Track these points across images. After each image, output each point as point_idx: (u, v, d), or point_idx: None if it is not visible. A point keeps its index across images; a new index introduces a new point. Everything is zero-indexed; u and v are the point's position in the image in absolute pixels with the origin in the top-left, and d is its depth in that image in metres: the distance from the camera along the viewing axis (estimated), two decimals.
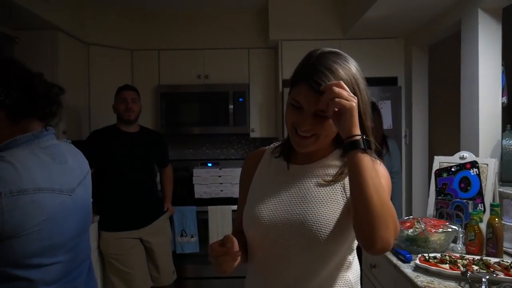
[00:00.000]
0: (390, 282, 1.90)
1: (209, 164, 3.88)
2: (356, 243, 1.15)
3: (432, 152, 3.24)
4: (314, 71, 1.00)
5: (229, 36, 3.81)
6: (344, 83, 0.98)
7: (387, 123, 3.42)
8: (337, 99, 0.94)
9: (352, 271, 1.15)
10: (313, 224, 1.05)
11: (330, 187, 1.09)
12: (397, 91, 3.53)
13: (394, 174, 3.08)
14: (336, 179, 1.10)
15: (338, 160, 1.13)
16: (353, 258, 1.16)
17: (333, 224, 1.05)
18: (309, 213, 1.07)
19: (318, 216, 1.06)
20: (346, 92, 0.95)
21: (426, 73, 3.52)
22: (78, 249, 1.33)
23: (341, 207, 1.07)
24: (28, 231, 1.15)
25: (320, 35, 3.56)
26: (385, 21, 3.14)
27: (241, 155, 4.20)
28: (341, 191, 1.09)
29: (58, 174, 1.27)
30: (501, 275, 1.53)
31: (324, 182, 1.10)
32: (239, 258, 1.02)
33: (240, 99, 3.70)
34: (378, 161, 1.10)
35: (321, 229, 1.04)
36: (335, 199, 1.08)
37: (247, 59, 3.81)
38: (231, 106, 3.70)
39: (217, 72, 3.78)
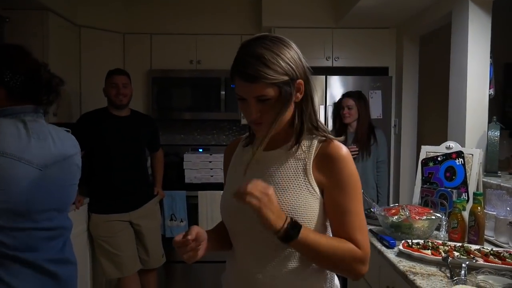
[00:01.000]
0: (374, 267, 1.95)
1: (200, 150, 3.90)
2: (328, 230, 1.18)
3: (421, 142, 3.29)
4: (241, 62, 1.05)
5: (222, 22, 3.80)
6: (270, 66, 1.02)
7: (377, 112, 3.46)
8: (247, 198, 0.98)
9: None
10: None
11: (292, 172, 1.12)
12: (388, 81, 3.56)
13: (380, 164, 3.14)
14: (296, 164, 1.12)
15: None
16: None
17: (296, 209, 1.08)
18: None
19: (280, 202, 1.07)
20: (258, 190, 0.98)
21: (416, 63, 3.56)
22: (51, 225, 1.42)
23: (304, 191, 1.10)
24: None
25: (313, 24, 3.57)
26: (377, 11, 3.16)
27: (231, 141, 4.21)
28: (303, 175, 1.11)
29: (31, 147, 1.35)
30: (481, 261, 1.58)
31: (286, 168, 1.13)
32: (201, 248, 1.11)
33: (232, 86, 3.70)
34: (342, 147, 1.12)
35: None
36: (298, 184, 1.10)
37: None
38: (222, 92, 3.70)
39: (209, 58, 3.77)
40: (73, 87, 3.41)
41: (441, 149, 2.34)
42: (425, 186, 2.32)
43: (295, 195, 1.09)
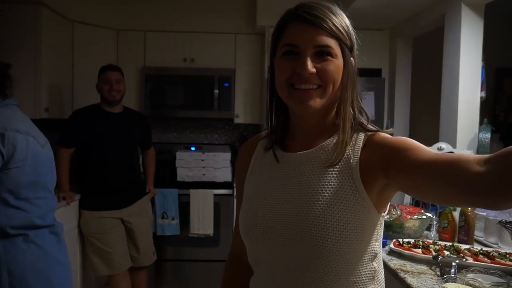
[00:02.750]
0: None
1: (192, 148, 3.89)
2: (380, 245, 0.95)
3: None
4: (304, 6, 0.89)
5: (216, 20, 3.80)
6: (338, 17, 0.89)
7: (369, 114, 3.47)
8: None
9: (377, 282, 0.93)
10: (315, 225, 0.85)
11: (335, 178, 0.88)
12: (381, 83, 3.58)
13: None
14: (338, 160, 0.89)
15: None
16: (378, 265, 0.94)
17: (341, 223, 0.84)
18: (310, 212, 0.86)
19: (325, 219, 0.85)
20: None
21: (409, 65, 3.59)
22: (54, 196, 1.72)
23: (352, 203, 0.86)
24: (23, 163, 1.50)
25: None
26: (371, 12, 3.17)
27: (224, 140, 4.22)
28: (349, 181, 0.87)
29: (32, 128, 1.62)
30: (471, 260, 1.59)
31: (327, 173, 0.89)
32: None
33: (226, 84, 3.70)
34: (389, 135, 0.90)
35: (326, 230, 0.84)
36: (343, 193, 0.86)
37: (234, 45, 3.81)
38: (216, 91, 3.70)
39: (203, 56, 3.77)
40: (66, 83, 3.39)
41: (432, 150, 2.36)
42: None
43: (342, 208, 0.85)
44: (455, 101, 2.56)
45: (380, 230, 0.93)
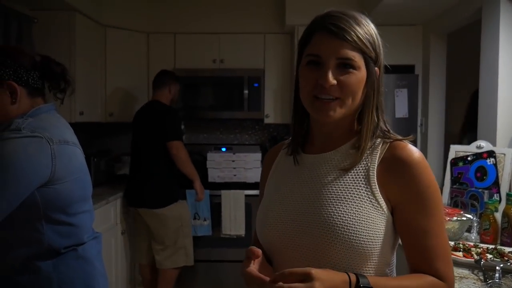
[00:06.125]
0: (403, 269, 1.90)
1: (223, 149, 3.90)
2: (394, 255, 0.99)
3: (448, 141, 3.21)
4: (329, 17, 0.90)
5: (245, 20, 3.79)
6: (363, 28, 0.89)
7: (402, 111, 3.39)
8: None
9: None
10: (325, 225, 0.88)
11: (351, 180, 0.91)
12: (414, 79, 3.49)
13: None
14: (355, 165, 0.92)
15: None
16: (391, 273, 0.98)
17: (355, 225, 0.86)
18: (322, 210, 0.90)
19: (336, 215, 0.88)
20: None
21: (444, 61, 3.48)
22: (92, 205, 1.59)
23: (366, 204, 0.89)
24: (71, 177, 1.36)
25: None
26: (404, 8, 3.09)
27: (254, 141, 4.21)
28: (365, 184, 0.90)
29: (74, 136, 1.48)
30: None
31: (343, 172, 0.92)
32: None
33: (255, 85, 3.69)
34: (414, 150, 0.91)
35: (336, 231, 0.87)
36: (358, 194, 0.89)
37: (263, 45, 3.79)
38: (246, 91, 3.70)
39: (232, 57, 3.77)
40: (99, 87, 3.45)
41: (471, 148, 2.28)
42: (455, 186, 2.26)
43: (355, 207, 0.88)
44: (494, 97, 2.46)
45: (397, 239, 0.95)
